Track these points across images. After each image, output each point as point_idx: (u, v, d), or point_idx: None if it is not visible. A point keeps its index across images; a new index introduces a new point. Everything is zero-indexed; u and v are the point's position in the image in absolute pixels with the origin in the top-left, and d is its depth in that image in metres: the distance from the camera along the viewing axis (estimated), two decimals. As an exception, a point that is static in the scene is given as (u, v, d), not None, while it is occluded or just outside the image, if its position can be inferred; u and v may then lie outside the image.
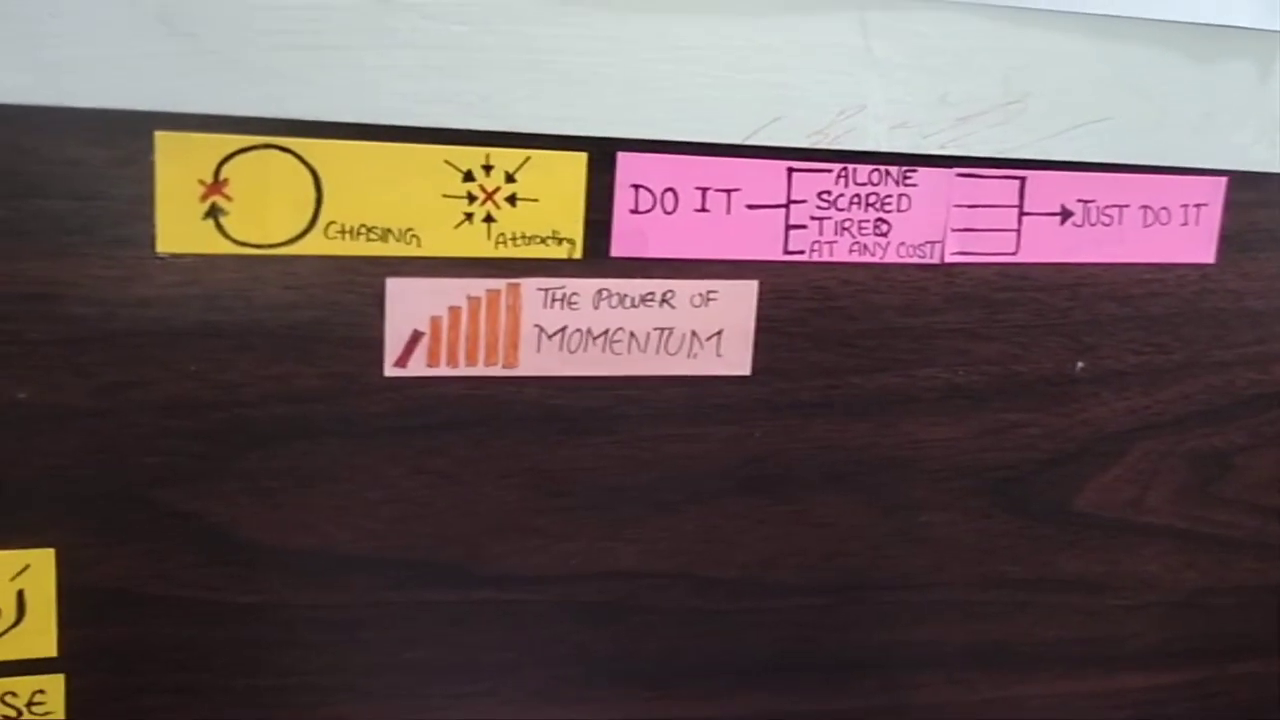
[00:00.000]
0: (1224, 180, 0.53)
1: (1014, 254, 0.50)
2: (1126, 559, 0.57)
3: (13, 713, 0.40)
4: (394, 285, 0.42)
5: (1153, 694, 0.60)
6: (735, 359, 0.47)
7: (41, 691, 0.40)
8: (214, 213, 0.40)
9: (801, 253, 0.47)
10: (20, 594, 0.39)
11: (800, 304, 0.48)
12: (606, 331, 0.45)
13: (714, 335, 0.47)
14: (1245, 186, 0.54)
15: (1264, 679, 0.62)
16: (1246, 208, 0.54)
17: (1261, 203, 0.54)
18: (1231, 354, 0.56)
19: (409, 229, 0.42)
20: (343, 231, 0.41)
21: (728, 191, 0.46)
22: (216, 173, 0.40)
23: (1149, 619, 0.59)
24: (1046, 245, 0.51)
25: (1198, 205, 0.53)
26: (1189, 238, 0.53)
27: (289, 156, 0.40)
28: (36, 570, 0.39)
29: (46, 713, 0.41)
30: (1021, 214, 0.50)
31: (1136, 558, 0.57)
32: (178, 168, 0.39)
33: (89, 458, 0.41)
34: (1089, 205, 0.51)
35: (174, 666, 0.44)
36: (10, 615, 0.40)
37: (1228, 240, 0.54)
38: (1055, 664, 0.58)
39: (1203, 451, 0.57)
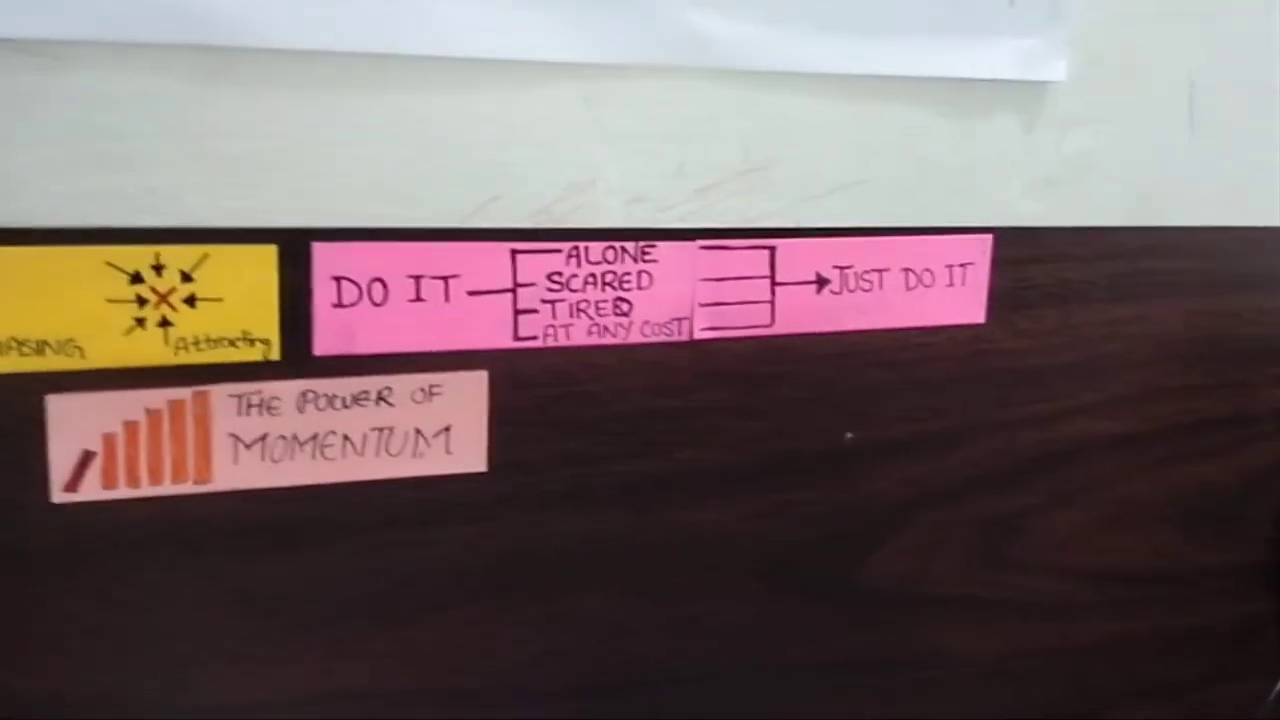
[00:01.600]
0: (990, 237, 0.51)
1: (770, 326, 0.48)
2: (919, 631, 0.55)
3: None
4: (56, 402, 0.38)
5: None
6: (468, 455, 0.44)
7: None
8: None
9: (535, 338, 0.44)
10: None
11: (539, 392, 0.45)
12: (316, 436, 0.41)
13: (441, 431, 0.43)
14: (1015, 243, 0.52)
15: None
16: (1018, 264, 0.52)
17: (1033, 258, 0.53)
18: (1013, 414, 0.54)
19: (69, 340, 0.38)
20: (-8, 343, 0.37)
21: (445, 278, 0.42)
22: None
23: (948, 691, 0.56)
24: (804, 315, 0.48)
25: (963, 265, 0.51)
26: (957, 298, 0.51)
27: (-82, 267, 0.36)
28: None
29: None
30: (774, 284, 0.48)
31: (929, 629, 0.55)
32: None
33: None
34: (846, 271, 0.49)
35: None
36: None
37: (1000, 298, 0.52)
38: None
39: (990, 516, 0.54)
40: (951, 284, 0.51)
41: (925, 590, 0.54)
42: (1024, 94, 0.51)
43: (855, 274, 0.49)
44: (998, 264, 0.52)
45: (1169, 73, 0.54)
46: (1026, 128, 0.51)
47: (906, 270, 0.50)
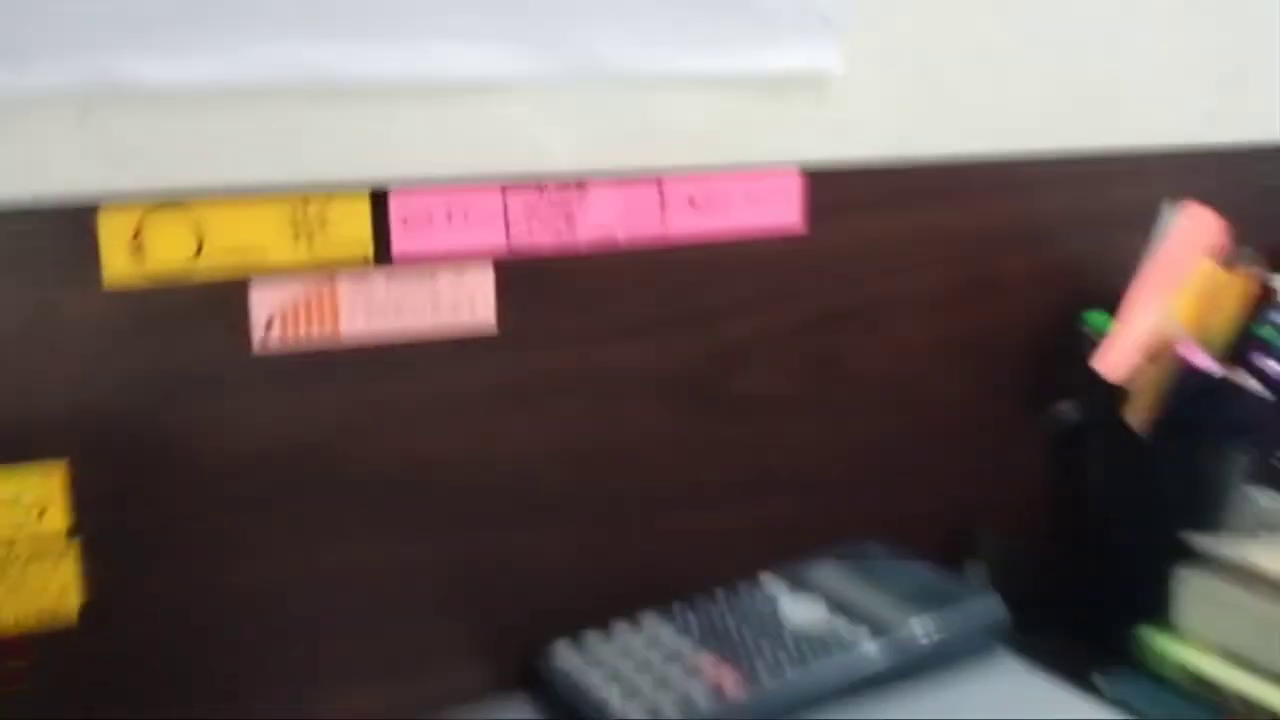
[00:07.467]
0: (796, 172, 0.82)
1: (664, 232, 0.78)
2: (771, 425, 0.85)
3: None
4: (257, 285, 0.68)
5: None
6: (483, 316, 0.74)
7: None
8: (138, 251, 0.65)
9: (521, 242, 0.74)
10: None
11: (526, 277, 0.75)
12: (396, 303, 0.71)
13: (468, 299, 0.73)
14: (822, 178, 0.83)
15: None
16: (827, 189, 0.83)
17: (835, 185, 0.83)
18: (828, 280, 0.84)
19: (262, 249, 0.67)
20: (221, 254, 0.66)
21: (462, 210, 0.72)
22: (137, 229, 0.65)
23: (791, 469, 0.86)
24: (686, 223, 0.79)
25: (782, 189, 0.81)
26: (783, 211, 0.82)
27: (179, 211, 0.65)
28: None
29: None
30: (663, 206, 0.78)
31: (777, 424, 0.85)
32: (119, 227, 0.64)
33: None
34: (707, 195, 0.79)
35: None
36: None
37: (819, 212, 0.82)
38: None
39: (815, 349, 0.85)
40: (778, 198, 0.81)
41: (776, 397, 0.84)
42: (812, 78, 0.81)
43: (719, 196, 0.79)
44: (810, 188, 0.82)
45: (912, 46, 0.84)
46: (819, 99, 0.82)
47: (749, 194, 0.80)
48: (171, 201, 0.65)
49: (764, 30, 0.78)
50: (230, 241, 0.67)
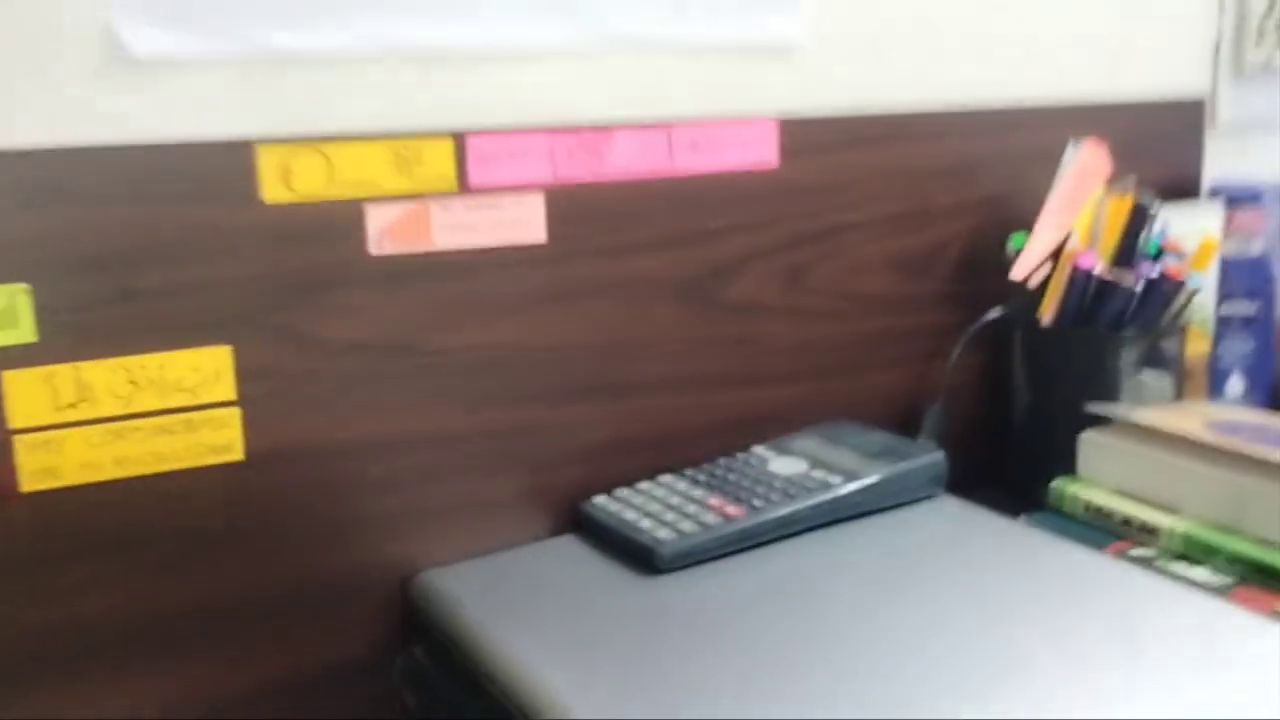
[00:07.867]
0: (776, 121, 1.03)
1: (671, 168, 0.99)
2: (759, 325, 1.06)
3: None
4: (370, 206, 0.88)
5: (779, 400, 1.09)
6: (537, 232, 0.95)
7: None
8: (283, 179, 0.85)
9: (564, 176, 0.95)
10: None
11: (568, 203, 0.96)
12: (472, 221, 0.92)
13: (525, 219, 0.94)
14: (791, 126, 1.04)
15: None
16: (795, 134, 1.04)
17: (805, 130, 1.05)
18: (803, 208, 1.06)
19: (374, 180, 0.88)
20: (344, 184, 0.87)
21: (519, 150, 0.93)
22: (286, 165, 0.85)
23: (770, 352, 1.08)
24: (690, 161, 1.00)
25: (762, 135, 1.03)
26: (763, 150, 1.03)
27: (314, 149, 0.86)
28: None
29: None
30: (670, 148, 0.99)
31: (764, 324, 1.06)
32: (270, 161, 0.84)
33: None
34: (704, 139, 1.00)
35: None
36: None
37: (787, 150, 1.04)
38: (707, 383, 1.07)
39: (793, 263, 1.06)
40: (758, 143, 1.03)
41: (761, 303, 1.06)
42: (783, 46, 1.03)
43: (713, 140, 1.01)
44: (784, 134, 1.04)
45: (863, 19, 1.06)
46: (790, 63, 1.03)
47: (737, 139, 1.02)
48: (308, 142, 0.86)
49: (745, 7, 1.00)
50: (350, 173, 0.87)
